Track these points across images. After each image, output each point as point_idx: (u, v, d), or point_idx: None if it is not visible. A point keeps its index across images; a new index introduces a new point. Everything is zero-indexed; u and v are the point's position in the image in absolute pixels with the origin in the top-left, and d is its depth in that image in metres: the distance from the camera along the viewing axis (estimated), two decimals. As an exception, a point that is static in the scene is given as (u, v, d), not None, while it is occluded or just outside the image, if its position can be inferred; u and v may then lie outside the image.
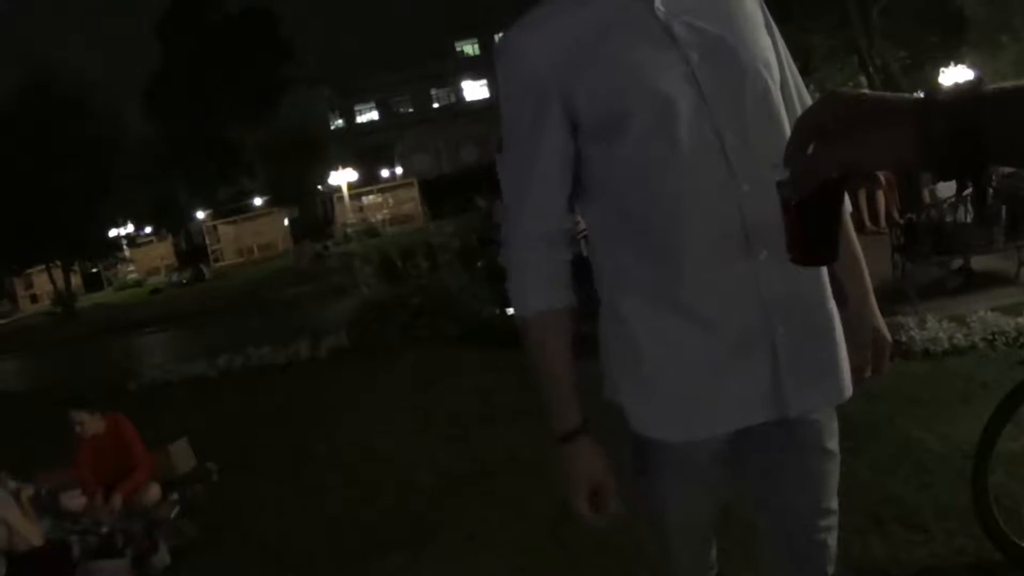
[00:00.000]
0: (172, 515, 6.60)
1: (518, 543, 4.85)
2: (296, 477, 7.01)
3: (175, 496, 6.92)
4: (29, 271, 46.77)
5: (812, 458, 2.09)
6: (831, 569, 2.21)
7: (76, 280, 43.67)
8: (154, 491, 6.84)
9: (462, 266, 13.32)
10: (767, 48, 1.91)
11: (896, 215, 11.91)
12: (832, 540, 2.19)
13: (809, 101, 2.02)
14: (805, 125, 1.08)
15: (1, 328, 40.66)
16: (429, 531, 5.33)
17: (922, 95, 0.97)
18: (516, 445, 6.39)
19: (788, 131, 1.82)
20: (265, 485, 6.98)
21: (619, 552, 4.27)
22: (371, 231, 44.25)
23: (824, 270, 1.95)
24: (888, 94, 1.03)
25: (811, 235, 1.17)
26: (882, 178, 12.67)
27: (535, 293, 1.98)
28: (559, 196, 1.95)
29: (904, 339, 6.75)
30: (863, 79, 23.43)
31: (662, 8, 1.81)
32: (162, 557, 5.85)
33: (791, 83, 2.03)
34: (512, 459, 6.19)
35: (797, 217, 1.15)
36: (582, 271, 2.06)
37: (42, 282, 47.45)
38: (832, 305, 2.00)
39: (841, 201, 1.19)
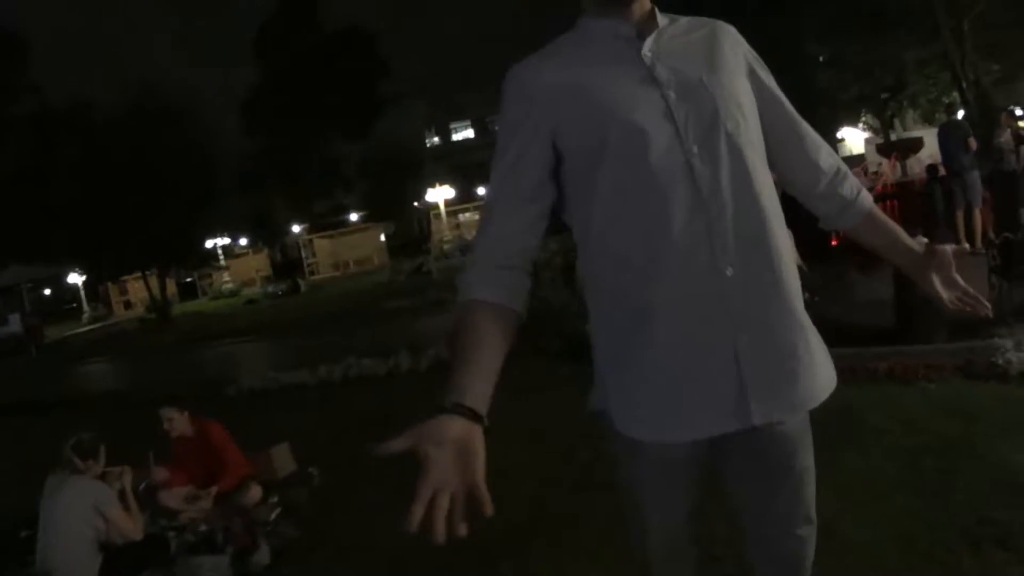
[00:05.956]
0: (272, 516, 6.57)
1: (621, 557, 4.66)
2: (399, 485, 6.75)
3: (275, 499, 6.88)
4: (125, 278, 47.83)
5: (782, 471, 2.24)
6: None
7: (170, 288, 44.57)
8: (255, 492, 6.80)
9: (564, 283, 13.18)
10: (741, 90, 2.13)
11: (993, 235, 11.84)
12: (808, 550, 2.34)
13: (812, 131, 2.30)
14: None
15: (97, 332, 41.55)
16: (531, 540, 5.27)
17: None
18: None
19: (757, 161, 2.09)
20: (367, 491, 6.88)
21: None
22: (468, 248, 44.41)
23: (789, 286, 2.10)
24: None
25: None
26: (981, 199, 12.42)
27: (476, 287, 2.05)
28: (524, 221, 2.11)
29: (1000, 362, 6.68)
30: (955, 94, 22.83)
31: (648, 53, 2.08)
32: (262, 556, 5.82)
33: (786, 117, 2.27)
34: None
35: None
36: None
37: (136, 289, 48.79)
38: (799, 319, 2.13)
39: None
